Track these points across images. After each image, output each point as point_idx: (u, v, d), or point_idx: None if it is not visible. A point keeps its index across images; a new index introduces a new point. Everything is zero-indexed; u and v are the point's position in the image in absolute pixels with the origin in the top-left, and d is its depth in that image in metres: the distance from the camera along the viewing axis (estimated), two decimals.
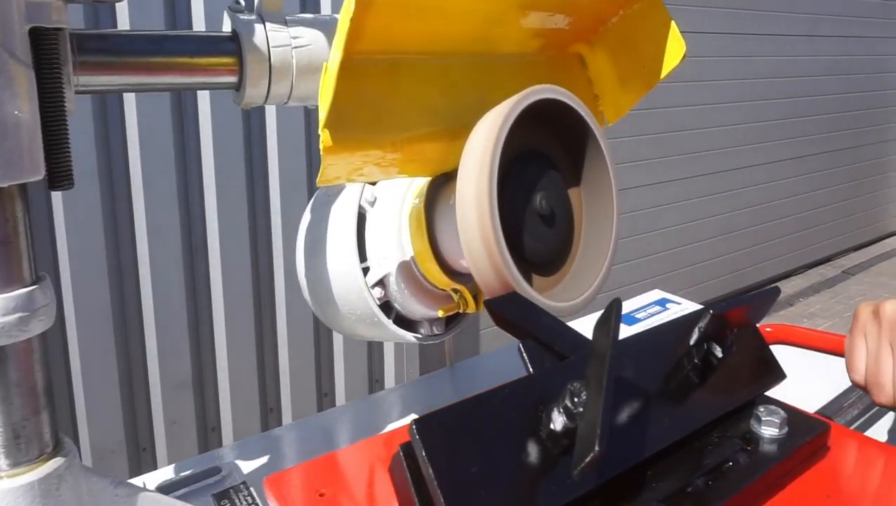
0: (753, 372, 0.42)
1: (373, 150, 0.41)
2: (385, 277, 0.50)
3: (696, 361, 0.38)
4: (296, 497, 0.39)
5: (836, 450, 0.41)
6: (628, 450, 0.35)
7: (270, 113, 1.57)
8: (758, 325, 0.44)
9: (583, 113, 0.41)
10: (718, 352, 0.39)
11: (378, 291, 0.51)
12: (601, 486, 0.33)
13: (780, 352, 0.60)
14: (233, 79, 0.47)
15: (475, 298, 0.49)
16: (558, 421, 0.32)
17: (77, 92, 0.41)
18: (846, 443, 0.42)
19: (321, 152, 0.39)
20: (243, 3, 0.49)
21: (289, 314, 1.70)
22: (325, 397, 1.86)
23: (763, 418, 0.39)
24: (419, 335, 0.54)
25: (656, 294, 1.01)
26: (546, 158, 0.42)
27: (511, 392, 0.34)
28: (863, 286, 3.76)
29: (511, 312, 0.36)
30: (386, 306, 0.52)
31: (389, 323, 0.52)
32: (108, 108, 1.39)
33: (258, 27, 0.46)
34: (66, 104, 0.38)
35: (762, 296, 0.41)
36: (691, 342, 0.38)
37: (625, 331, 0.90)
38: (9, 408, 0.39)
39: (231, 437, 1.66)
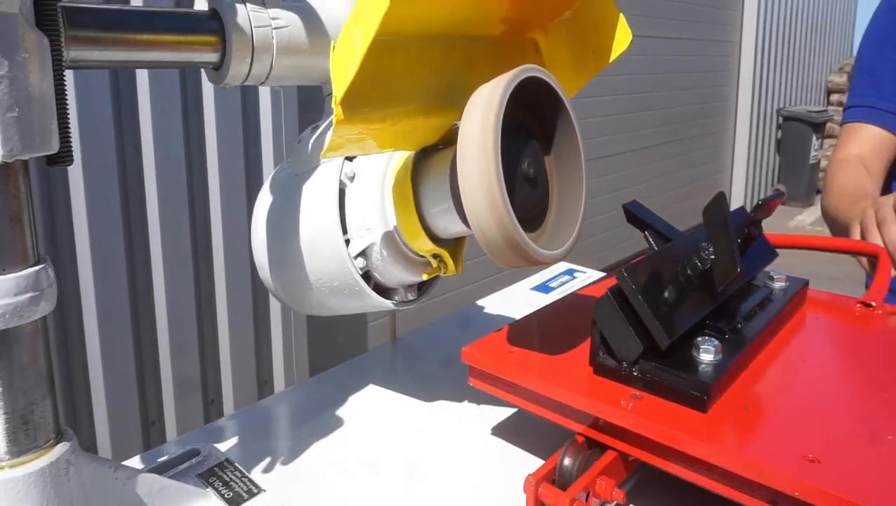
0: (763, 250, 0.64)
1: (375, 123, 0.44)
2: (368, 247, 0.53)
3: (744, 235, 0.58)
4: (492, 356, 0.54)
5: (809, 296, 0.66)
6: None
7: (266, 121, 1.80)
8: None
9: (559, 91, 0.46)
10: (755, 232, 0.58)
11: (360, 262, 0.54)
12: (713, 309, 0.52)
13: None
14: (214, 57, 0.47)
15: (454, 260, 0.53)
16: (697, 265, 0.50)
17: (66, 67, 0.40)
18: (814, 293, 0.66)
19: (334, 126, 0.41)
20: None
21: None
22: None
23: (774, 276, 0.62)
24: (395, 301, 0.57)
25: (563, 265, 1.11)
26: (527, 129, 0.47)
27: (664, 253, 0.52)
28: None
29: (638, 212, 0.62)
30: (364, 277, 0.55)
31: (370, 291, 0.55)
32: (122, 112, 1.54)
33: (240, 7, 0.47)
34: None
35: (777, 195, 0.60)
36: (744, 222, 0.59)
37: (542, 299, 0.98)
38: (16, 394, 0.38)
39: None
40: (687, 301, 0.50)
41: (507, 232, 0.42)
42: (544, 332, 0.58)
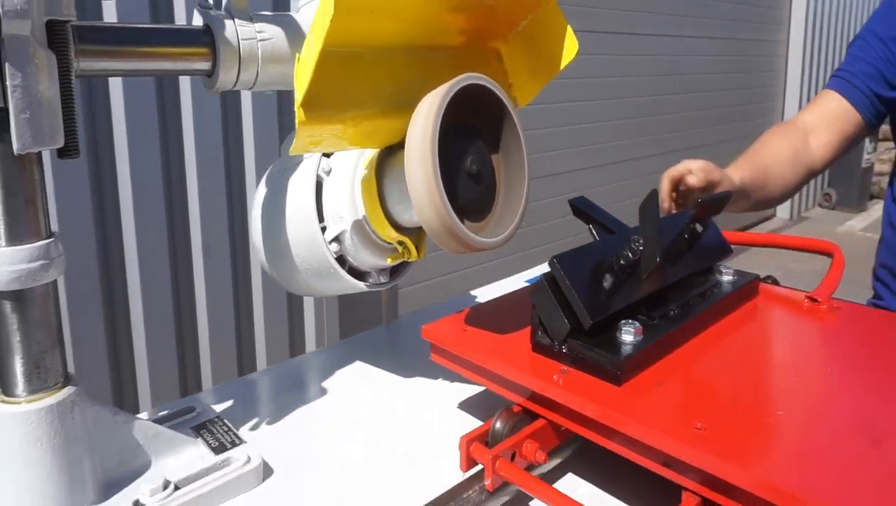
0: (715, 246, 0.68)
1: (336, 124, 0.50)
2: (341, 233, 0.60)
3: (690, 230, 0.62)
4: (448, 333, 0.60)
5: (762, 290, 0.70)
6: (661, 277, 0.60)
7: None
8: None
9: (501, 95, 0.52)
10: (699, 228, 0.61)
11: (334, 247, 0.60)
12: (647, 296, 0.57)
13: None
14: (207, 66, 0.55)
15: (417, 247, 0.60)
16: (628, 256, 0.53)
17: (77, 76, 0.48)
18: (768, 288, 0.71)
19: (296, 126, 0.48)
20: (212, 0, 0.57)
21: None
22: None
23: (723, 270, 0.67)
24: (368, 283, 0.64)
25: None
26: (474, 130, 0.53)
27: (602, 244, 0.58)
28: (746, 266, 4.20)
29: (584, 206, 0.67)
30: (340, 260, 0.62)
31: (344, 273, 0.61)
32: (167, 122, 1.71)
33: (228, 22, 0.55)
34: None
35: (722, 195, 0.63)
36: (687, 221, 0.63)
37: None
38: (30, 342, 0.46)
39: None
40: (621, 288, 0.54)
41: (444, 222, 0.48)
42: (500, 314, 0.63)
